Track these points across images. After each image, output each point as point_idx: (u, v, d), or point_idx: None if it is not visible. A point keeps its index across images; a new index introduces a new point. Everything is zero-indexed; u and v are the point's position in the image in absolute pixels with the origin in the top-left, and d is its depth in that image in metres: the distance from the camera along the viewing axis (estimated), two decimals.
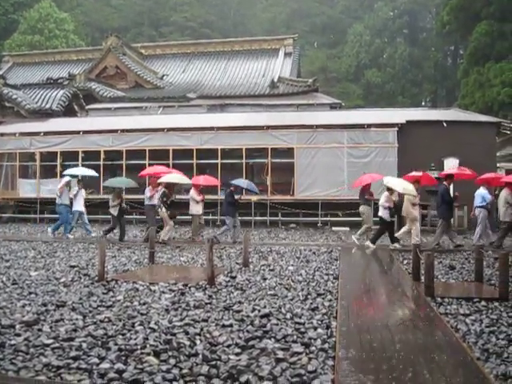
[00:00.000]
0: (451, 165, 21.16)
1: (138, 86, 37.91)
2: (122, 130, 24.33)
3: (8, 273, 10.76)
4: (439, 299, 8.46)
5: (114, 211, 17.10)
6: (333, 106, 29.95)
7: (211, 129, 23.27)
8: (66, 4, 67.03)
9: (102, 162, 24.19)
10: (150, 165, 23.63)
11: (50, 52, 48.39)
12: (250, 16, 74.79)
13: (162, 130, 23.78)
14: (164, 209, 16.30)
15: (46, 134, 25.24)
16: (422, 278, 9.57)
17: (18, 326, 6.67)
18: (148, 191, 17.07)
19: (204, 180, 18.11)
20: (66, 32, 58.72)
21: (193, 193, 17.34)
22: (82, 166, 24.28)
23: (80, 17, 67.57)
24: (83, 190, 18.77)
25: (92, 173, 20.25)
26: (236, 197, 17.15)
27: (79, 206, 18.21)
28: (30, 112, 27.82)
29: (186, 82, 38.89)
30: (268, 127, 22.73)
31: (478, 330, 6.73)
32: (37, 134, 25.34)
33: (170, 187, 16.82)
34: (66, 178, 18.59)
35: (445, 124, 21.66)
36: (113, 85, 36.66)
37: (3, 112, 28.76)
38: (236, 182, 17.85)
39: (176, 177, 17.30)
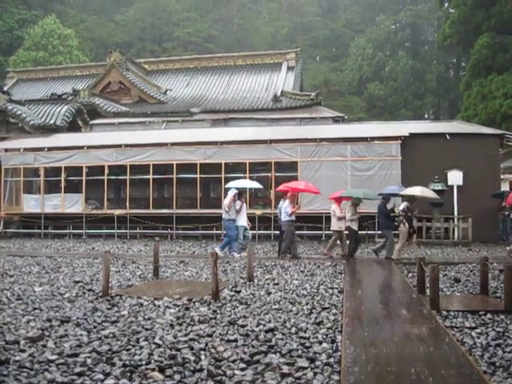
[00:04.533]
0: (455, 177, 21.20)
1: (141, 101, 38.08)
2: (126, 145, 24.41)
3: (12, 288, 10.75)
4: (444, 312, 8.43)
5: (354, 225, 15.98)
6: (336, 120, 30.03)
7: (215, 143, 23.33)
8: (70, 20, 67.64)
9: (106, 177, 24.27)
10: (153, 180, 23.78)
11: (54, 68, 48.74)
12: (252, 30, 75.25)
13: (166, 144, 23.85)
14: (407, 224, 15.30)
15: (50, 149, 25.35)
16: (427, 291, 9.53)
17: (22, 342, 6.66)
18: (288, 207, 16.01)
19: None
20: (70, 48, 59.24)
21: (335, 208, 16.48)
22: (86, 181, 24.43)
23: (84, 33, 68.17)
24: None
25: (257, 185, 19.43)
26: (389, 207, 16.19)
27: (243, 220, 17.03)
28: (34, 128, 27.96)
29: (190, 96, 39.08)
30: (271, 141, 22.78)
31: (484, 344, 6.70)
32: (41, 149, 25.44)
33: (412, 201, 15.72)
34: (234, 191, 16.96)
35: (448, 136, 21.68)
36: (116, 100, 36.85)
37: (8, 128, 28.92)
38: (387, 190, 17.16)
39: (419, 189, 16.00)
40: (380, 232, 17.81)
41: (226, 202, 16.75)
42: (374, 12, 70.30)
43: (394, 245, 15.67)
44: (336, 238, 16.59)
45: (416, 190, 15.88)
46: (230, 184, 18.32)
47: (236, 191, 16.94)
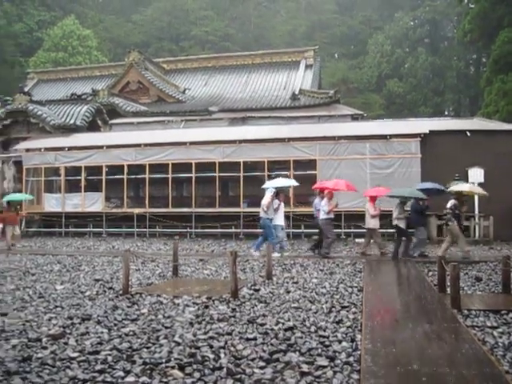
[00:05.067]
0: (476, 174, 20.97)
1: (160, 100, 38.26)
2: (145, 145, 24.54)
3: (34, 286, 10.89)
4: (466, 311, 8.35)
5: (402, 224, 15.69)
6: (354, 117, 29.88)
7: (233, 142, 23.35)
8: (89, 21, 68.14)
9: (125, 176, 24.42)
10: (172, 179, 23.86)
11: (73, 68, 49.18)
12: (269, 29, 75.15)
13: (185, 143, 23.92)
14: (456, 222, 14.81)
15: (71, 148, 25.58)
16: (448, 289, 9.45)
17: (44, 339, 6.74)
18: (325, 205, 15.93)
19: (379, 191, 17.00)
20: (89, 48, 59.72)
21: (369, 206, 16.30)
22: (106, 180, 24.61)
23: (102, 33, 68.64)
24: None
25: (294, 183, 19.25)
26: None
27: (280, 220, 16.93)
28: (54, 127, 28.22)
29: (208, 95, 39.16)
30: (290, 139, 22.73)
31: (507, 343, 6.62)
32: (61, 149, 25.68)
33: (460, 197, 15.31)
34: (272, 191, 16.74)
35: (468, 133, 21.45)
36: (135, 99, 37.08)
37: (29, 128, 29.24)
38: (420, 186, 16.85)
39: (467, 186, 15.88)
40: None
41: (264, 201, 16.49)
42: (392, 8, 69.79)
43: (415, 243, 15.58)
44: (370, 236, 16.41)
45: (464, 187, 15.67)
46: (268, 184, 18.22)
47: (274, 190, 16.79)
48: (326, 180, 19.83)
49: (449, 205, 15.13)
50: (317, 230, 17.32)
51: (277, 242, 16.38)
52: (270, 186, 17.42)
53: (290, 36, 70.16)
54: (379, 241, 16.38)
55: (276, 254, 15.69)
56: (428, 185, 16.81)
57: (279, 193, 17.12)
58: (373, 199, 16.42)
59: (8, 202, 19.86)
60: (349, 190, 17.51)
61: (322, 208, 16.00)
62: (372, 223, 16.18)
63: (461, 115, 56.52)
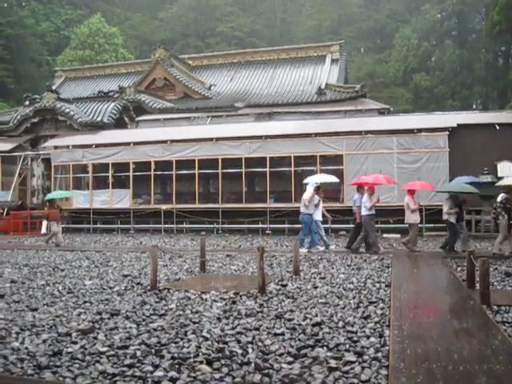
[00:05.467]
0: (505, 168, 20.65)
1: (186, 96, 38.42)
2: (172, 141, 24.69)
3: (64, 282, 11.03)
4: (495, 307, 8.22)
5: (453, 218, 15.49)
6: (381, 112, 29.63)
7: (259, 137, 23.36)
8: (115, 19, 68.76)
9: (152, 173, 24.61)
10: (199, 174, 23.96)
11: (100, 66, 49.67)
12: (295, 24, 74.90)
13: (211, 139, 24.01)
14: (506, 216, 14.51)
15: (98, 146, 25.87)
16: (477, 285, 9.32)
17: (74, 334, 6.82)
18: (367, 200, 15.75)
19: (420, 185, 17.04)
20: (115, 46, 60.28)
21: (408, 200, 15.97)
22: (133, 177, 24.81)
23: (128, 31, 69.16)
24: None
25: (334, 179, 19.21)
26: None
27: (319, 215, 16.86)
28: (82, 125, 28.55)
29: (234, 91, 39.19)
30: (316, 134, 22.67)
31: None
32: (89, 146, 26.00)
33: (510, 191, 14.95)
34: (314, 185, 16.74)
35: (497, 127, 21.13)
36: (161, 96, 37.27)
37: (57, 125, 29.63)
38: (461, 180, 16.77)
39: None
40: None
41: (306, 196, 16.43)
42: (419, 1, 68.80)
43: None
44: (415, 230, 16.08)
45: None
46: (310, 178, 18.20)
47: (316, 185, 16.76)
48: (354, 175, 19.78)
49: (499, 199, 14.79)
50: (353, 226, 17.08)
51: (317, 239, 16.49)
52: (312, 180, 17.36)
53: (315, 31, 69.76)
54: (414, 237, 16.07)
55: (320, 248, 16.01)
56: (465, 179, 16.64)
57: (319, 188, 17.02)
58: (411, 193, 16.15)
59: (51, 199, 20.14)
60: (389, 183, 17.57)
61: (363, 204, 15.80)
62: (412, 218, 15.89)
63: (489, 108, 55.65)
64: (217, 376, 5.32)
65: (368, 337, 6.57)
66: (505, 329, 7.01)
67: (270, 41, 65.58)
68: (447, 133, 21.25)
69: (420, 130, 21.60)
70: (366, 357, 5.83)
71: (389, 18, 70.99)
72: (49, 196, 21.43)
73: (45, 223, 20.50)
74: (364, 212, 15.75)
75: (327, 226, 21.98)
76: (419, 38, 62.07)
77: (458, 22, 64.70)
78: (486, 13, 58.92)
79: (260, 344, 6.34)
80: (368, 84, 44.37)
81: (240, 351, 6.05)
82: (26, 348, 6.26)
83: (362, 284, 10.26)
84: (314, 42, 49.07)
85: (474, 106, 63.83)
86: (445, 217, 15.55)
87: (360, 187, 16.72)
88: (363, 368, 5.47)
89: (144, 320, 7.61)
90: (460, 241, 15.45)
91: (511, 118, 22.51)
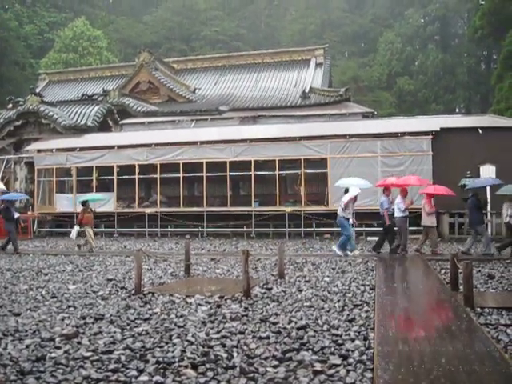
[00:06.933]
0: (488, 171, 20.84)
1: (170, 100, 38.28)
2: (156, 144, 24.62)
3: (47, 286, 10.95)
4: (479, 309, 8.30)
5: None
6: (365, 115, 29.75)
7: (244, 141, 23.37)
8: (99, 22, 68.40)
9: (136, 176, 24.51)
10: (184, 178, 23.90)
11: (84, 69, 49.27)
12: (280, 28, 75.14)
13: (196, 143, 23.98)
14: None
15: (82, 149, 25.72)
16: (461, 287, 9.39)
17: (57, 339, 6.77)
18: (401, 202, 15.81)
19: (435, 189, 16.71)
20: (100, 49, 59.89)
21: (425, 203, 16.02)
22: (118, 180, 24.69)
23: (113, 34, 68.87)
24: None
25: (368, 184, 18.09)
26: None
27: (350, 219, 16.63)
28: (65, 128, 28.37)
29: (218, 94, 39.12)
30: (301, 138, 22.72)
31: None
32: (73, 149, 25.83)
33: None
34: (357, 191, 16.30)
35: (480, 130, 21.33)
36: (146, 99, 37.11)
37: (40, 129, 29.42)
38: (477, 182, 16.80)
39: None
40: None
41: (345, 199, 16.17)
42: (402, 6, 69.43)
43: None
44: (426, 233, 16.05)
45: None
46: (346, 181, 17.91)
47: (359, 191, 16.45)
48: (339, 179, 19.77)
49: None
50: (381, 229, 16.92)
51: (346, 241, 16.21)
52: (353, 184, 17.01)
53: (300, 35, 70.03)
54: (435, 238, 16.04)
55: (349, 253, 15.69)
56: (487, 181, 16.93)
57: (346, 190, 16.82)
58: (429, 197, 16.14)
59: (84, 203, 19.43)
60: (421, 184, 17.56)
61: (397, 206, 15.81)
62: (430, 221, 15.89)
63: (472, 112, 56.16)
64: (202, 380, 5.31)
65: (353, 340, 6.60)
66: (488, 331, 7.08)
67: (255, 45, 65.65)
68: (431, 136, 21.41)
69: (404, 134, 21.73)
70: (350, 360, 5.85)
71: (373, 23, 71.45)
72: (81, 199, 20.49)
73: (76, 228, 19.87)
74: (398, 214, 15.79)
75: (312, 229, 22.13)
76: (403, 42, 62.61)
77: (441, 27, 65.34)
78: (469, 18, 59.67)
79: (245, 348, 6.34)
80: (352, 88, 44.51)
81: (225, 355, 6.05)
82: (9, 353, 6.20)
83: (347, 287, 10.30)
84: (299, 46, 49.21)
85: (457, 110, 64.38)
86: (506, 220, 15.48)
87: (386, 189, 16.60)
88: (348, 371, 5.50)
89: (128, 324, 7.57)
90: (487, 243, 15.34)
91: (493, 122, 22.72)
